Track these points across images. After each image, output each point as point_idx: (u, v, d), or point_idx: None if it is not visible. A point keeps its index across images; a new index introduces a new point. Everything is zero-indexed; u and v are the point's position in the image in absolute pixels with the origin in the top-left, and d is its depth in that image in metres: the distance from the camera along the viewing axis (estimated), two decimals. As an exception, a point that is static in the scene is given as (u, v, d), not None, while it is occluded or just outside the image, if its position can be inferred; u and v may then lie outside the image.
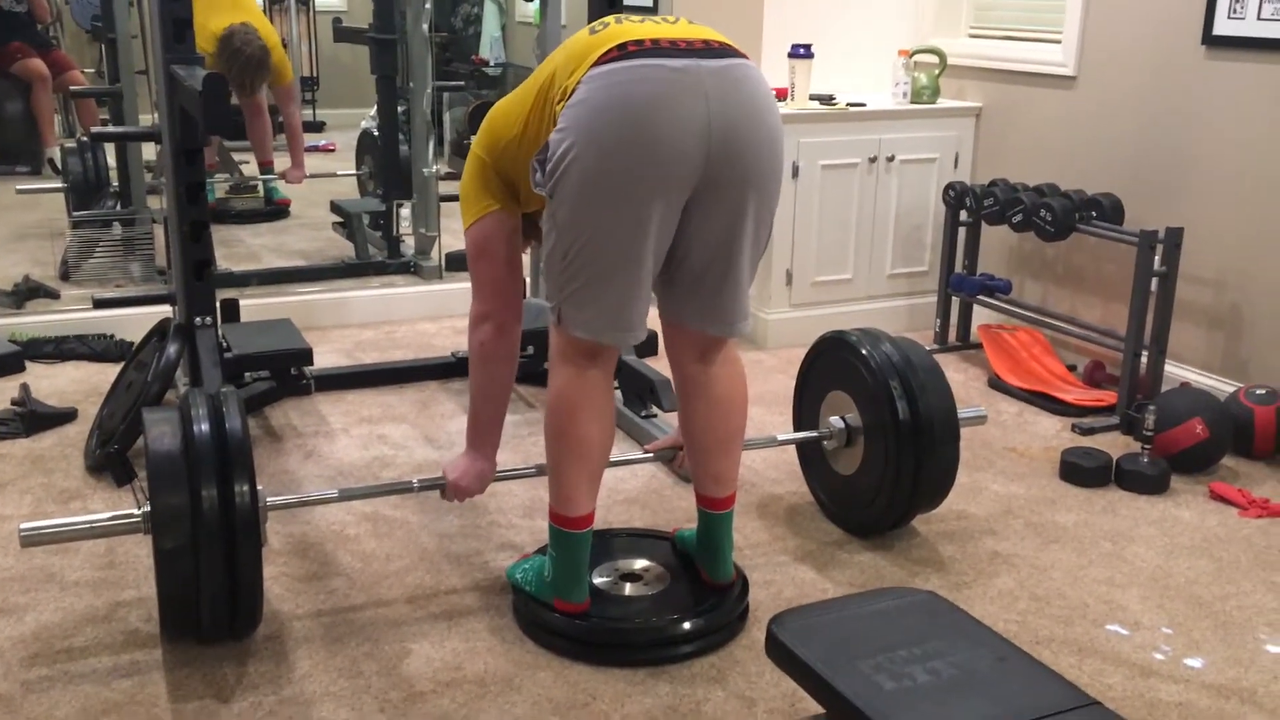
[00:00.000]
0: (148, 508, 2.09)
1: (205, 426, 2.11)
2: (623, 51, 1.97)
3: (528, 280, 3.84)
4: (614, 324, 2.11)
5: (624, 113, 1.95)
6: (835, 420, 2.72)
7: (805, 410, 2.88)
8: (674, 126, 1.96)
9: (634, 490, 2.98)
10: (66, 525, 2.15)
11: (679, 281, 2.18)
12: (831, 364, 2.77)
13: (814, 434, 2.78)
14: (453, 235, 4.89)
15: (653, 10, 5.42)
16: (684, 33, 2.04)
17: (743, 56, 2.06)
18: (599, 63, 1.98)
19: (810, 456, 2.89)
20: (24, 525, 2.11)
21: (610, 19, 2.10)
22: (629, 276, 2.06)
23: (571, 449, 2.19)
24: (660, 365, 3.10)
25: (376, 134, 5.24)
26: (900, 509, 2.64)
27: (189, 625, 2.15)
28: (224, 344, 3.22)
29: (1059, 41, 3.96)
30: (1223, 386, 3.42)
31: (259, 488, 2.11)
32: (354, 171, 5.82)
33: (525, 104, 2.17)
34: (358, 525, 2.76)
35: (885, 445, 2.58)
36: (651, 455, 2.69)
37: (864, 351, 2.64)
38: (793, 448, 2.97)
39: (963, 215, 4.06)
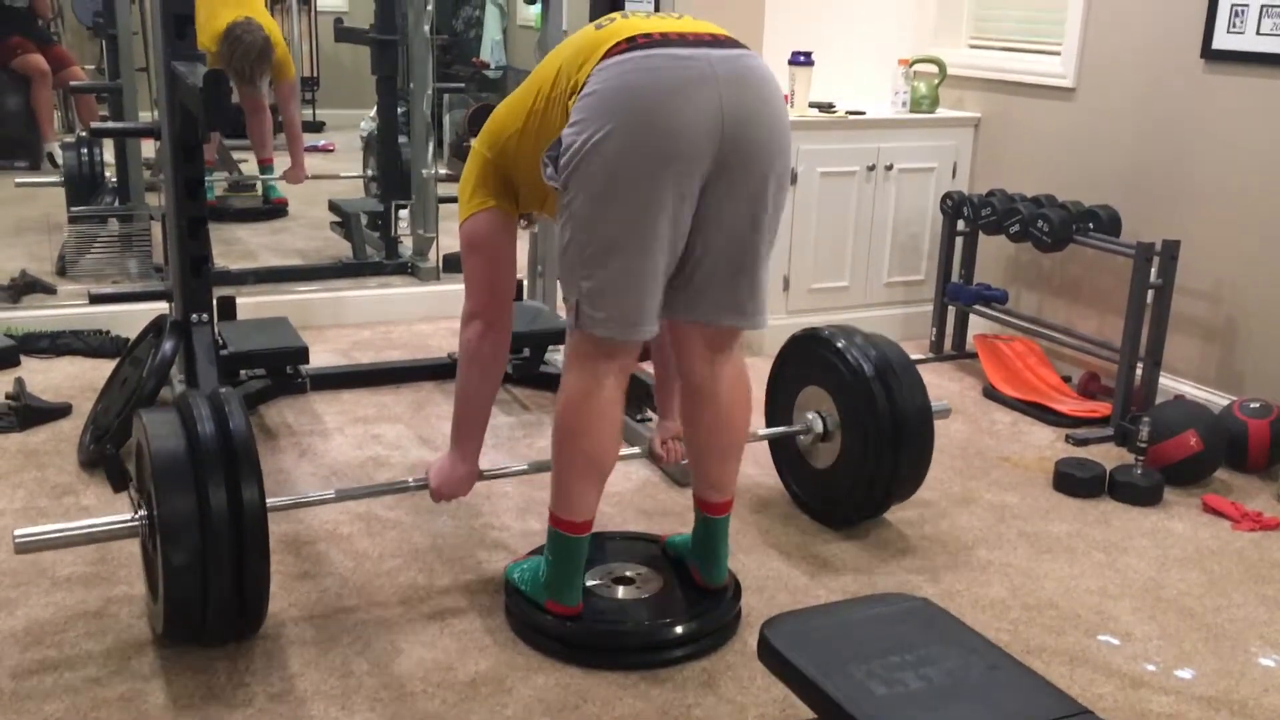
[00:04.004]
0: (143, 511, 2.07)
1: (210, 428, 2.07)
2: (631, 44, 1.98)
3: (524, 283, 3.84)
4: (631, 319, 2.07)
5: (637, 100, 1.95)
6: (811, 415, 2.76)
7: (778, 406, 2.93)
8: (688, 112, 1.96)
9: (627, 491, 2.98)
10: (62, 531, 2.09)
11: (696, 275, 2.12)
12: (805, 360, 2.81)
13: (793, 429, 2.82)
14: (451, 237, 4.86)
15: (655, 9, 5.43)
16: (690, 27, 2.05)
17: (747, 49, 2.07)
18: (608, 55, 1.98)
19: (784, 451, 2.94)
20: (18, 532, 2.04)
21: (615, 15, 2.12)
22: (646, 267, 2.03)
23: (579, 456, 2.17)
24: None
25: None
26: (876, 501, 2.72)
27: (192, 629, 2.11)
28: (220, 341, 3.22)
29: (1058, 53, 3.96)
30: (1217, 399, 3.43)
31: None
32: (359, 174, 5.82)
33: (527, 99, 2.17)
34: (351, 524, 2.75)
35: (864, 439, 2.63)
36: (640, 453, 2.68)
37: (840, 346, 2.69)
38: (763, 442, 2.97)
39: (960, 225, 4.07)
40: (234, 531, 2.02)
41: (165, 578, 2.03)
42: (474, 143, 2.30)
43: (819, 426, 2.75)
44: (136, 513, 2.11)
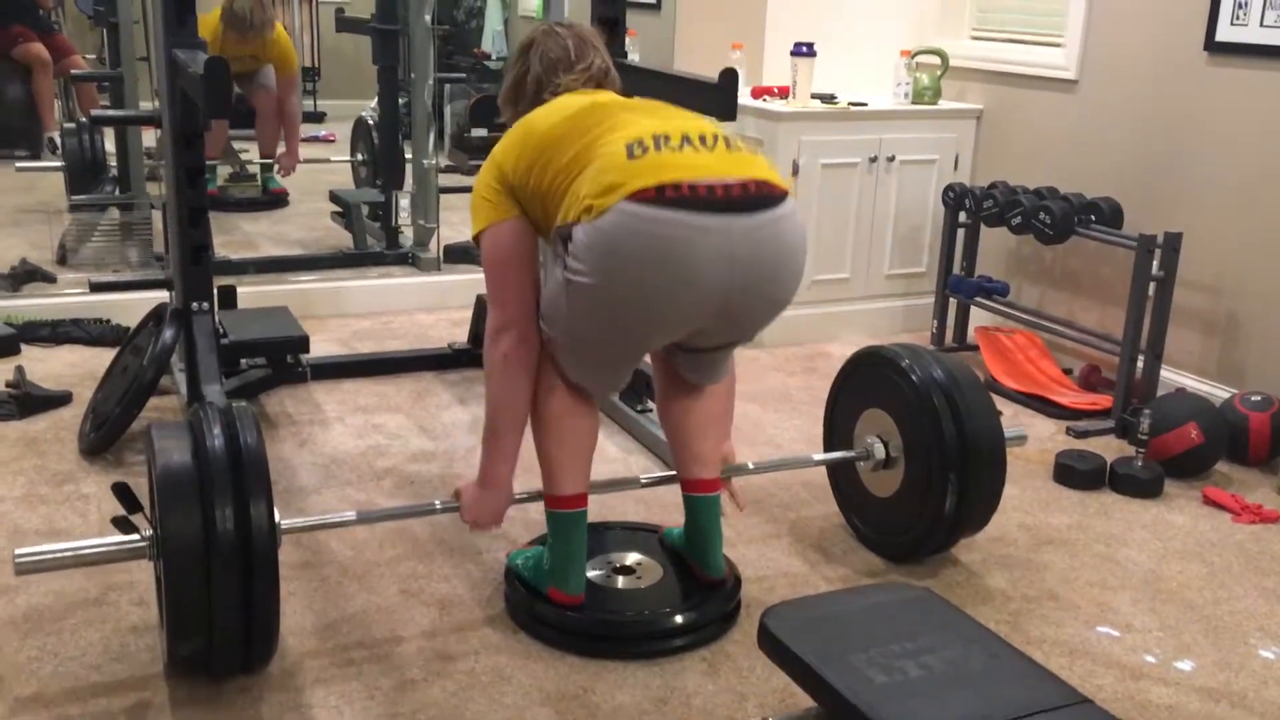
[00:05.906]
0: (150, 532, 2.01)
1: (218, 443, 1.96)
2: (659, 195, 1.92)
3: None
4: (603, 390, 2.29)
5: (647, 269, 1.94)
6: (872, 440, 2.60)
7: (837, 429, 2.76)
8: (693, 291, 1.98)
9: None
10: (64, 551, 2.01)
11: (683, 356, 2.30)
12: (867, 380, 2.65)
13: (851, 454, 2.65)
14: (451, 228, 4.89)
15: (657, 7, 5.41)
16: (723, 170, 1.97)
17: (783, 196, 2.03)
18: (633, 197, 1.92)
19: (843, 479, 2.77)
20: (19, 552, 1.95)
21: (647, 137, 1.99)
22: (623, 369, 2.25)
23: (559, 442, 2.23)
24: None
25: (372, 123, 5.24)
26: (943, 534, 2.52)
27: (196, 660, 2.02)
28: (220, 330, 3.22)
29: (1061, 45, 3.96)
30: (1218, 392, 3.43)
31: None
32: (348, 159, 5.83)
33: (545, 155, 2.10)
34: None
35: (928, 466, 2.46)
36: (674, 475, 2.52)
37: (904, 365, 2.52)
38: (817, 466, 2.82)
39: (962, 217, 4.06)
40: (241, 558, 1.90)
41: (165, 604, 1.94)
42: (493, 150, 2.22)
43: (880, 452, 2.56)
44: (145, 532, 2.01)
